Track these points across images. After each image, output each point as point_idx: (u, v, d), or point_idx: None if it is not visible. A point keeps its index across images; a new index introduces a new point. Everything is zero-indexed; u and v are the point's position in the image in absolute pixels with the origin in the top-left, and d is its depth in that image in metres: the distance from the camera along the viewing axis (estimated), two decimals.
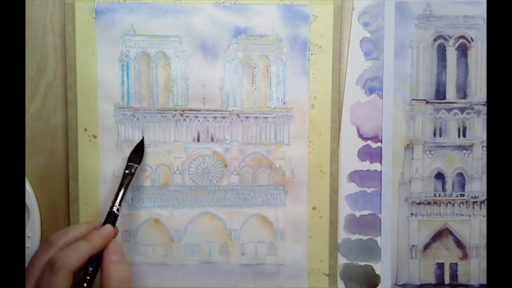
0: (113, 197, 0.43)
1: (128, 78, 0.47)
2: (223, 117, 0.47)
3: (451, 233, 0.48)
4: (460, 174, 0.48)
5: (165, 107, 0.47)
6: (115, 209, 0.43)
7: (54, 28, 0.46)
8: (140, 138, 0.46)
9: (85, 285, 0.38)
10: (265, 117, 0.47)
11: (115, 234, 0.42)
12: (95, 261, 0.39)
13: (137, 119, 0.47)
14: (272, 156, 0.47)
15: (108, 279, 0.38)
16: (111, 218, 0.42)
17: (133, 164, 0.45)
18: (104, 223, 0.42)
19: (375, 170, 0.48)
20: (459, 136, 0.48)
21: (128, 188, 0.44)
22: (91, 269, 0.39)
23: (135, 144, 0.46)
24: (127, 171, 0.44)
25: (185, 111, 0.47)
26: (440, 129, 0.48)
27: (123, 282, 0.39)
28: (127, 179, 0.44)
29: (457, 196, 0.48)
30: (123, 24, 0.46)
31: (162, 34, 0.46)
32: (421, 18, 0.47)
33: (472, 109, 0.48)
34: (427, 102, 0.48)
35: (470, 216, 0.48)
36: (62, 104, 0.47)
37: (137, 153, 0.46)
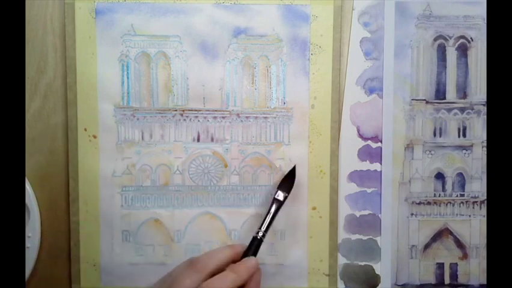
0: (260, 222, 0.44)
1: (128, 78, 0.47)
2: (223, 117, 0.47)
3: (451, 233, 0.48)
4: (460, 174, 0.48)
5: (165, 107, 0.47)
6: (260, 234, 0.43)
7: (54, 28, 0.46)
8: (291, 167, 0.46)
9: None
10: (265, 117, 0.47)
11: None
12: None
13: (137, 119, 0.47)
14: (272, 156, 0.47)
15: None
16: (255, 244, 0.43)
17: (284, 193, 0.45)
18: (248, 248, 0.42)
19: (375, 170, 0.48)
20: (459, 136, 0.48)
21: (275, 216, 0.44)
22: None
23: (287, 172, 0.46)
24: (278, 198, 0.45)
25: (185, 111, 0.47)
26: (440, 129, 0.48)
27: None
28: (275, 206, 0.44)
29: (457, 196, 0.48)
30: (123, 24, 0.46)
31: (162, 34, 0.46)
32: (421, 18, 0.47)
33: (472, 109, 0.48)
34: (427, 102, 0.48)
35: (470, 216, 0.48)
36: (62, 104, 0.47)
37: (288, 181, 0.46)
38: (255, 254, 0.42)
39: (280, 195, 0.45)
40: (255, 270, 0.41)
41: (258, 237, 0.43)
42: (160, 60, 0.47)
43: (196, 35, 0.46)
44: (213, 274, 0.39)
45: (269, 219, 0.44)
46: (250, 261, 0.41)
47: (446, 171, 0.48)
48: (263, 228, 0.43)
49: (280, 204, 0.45)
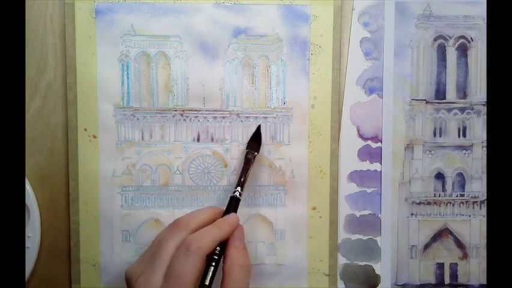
0: (236, 182, 0.44)
1: (128, 78, 0.47)
2: (223, 117, 0.47)
3: (451, 233, 0.48)
4: (460, 174, 0.48)
5: (165, 107, 0.47)
6: (237, 193, 0.43)
7: (54, 28, 0.46)
8: (256, 128, 0.47)
9: (213, 264, 0.39)
10: (265, 117, 0.47)
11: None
12: (221, 245, 0.40)
13: (137, 119, 0.47)
14: (272, 156, 0.47)
15: (232, 264, 0.39)
16: (233, 202, 0.43)
17: (253, 151, 0.45)
18: (227, 208, 0.43)
19: (375, 170, 0.48)
20: (459, 136, 0.48)
21: (248, 172, 0.45)
22: (218, 249, 0.39)
23: (253, 133, 0.47)
24: (249, 157, 0.45)
25: (185, 111, 0.47)
26: (440, 129, 0.48)
27: (245, 268, 0.39)
28: (247, 165, 0.45)
29: (457, 196, 0.48)
30: (123, 24, 0.46)
31: (162, 34, 0.46)
32: (421, 18, 0.47)
33: (472, 109, 0.48)
34: (427, 102, 0.48)
35: (470, 216, 0.48)
36: (62, 104, 0.47)
37: (255, 140, 0.46)
38: (235, 212, 0.43)
39: (250, 155, 0.45)
40: (237, 226, 0.41)
41: (236, 196, 0.43)
42: (160, 60, 0.47)
43: (196, 35, 0.46)
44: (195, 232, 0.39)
45: (243, 178, 0.44)
46: (230, 216, 0.42)
47: (446, 171, 0.48)
48: (239, 188, 0.44)
49: (251, 163, 0.45)
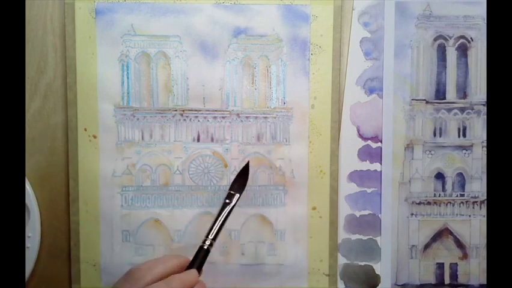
0: (208, 229, 0.41)
1: (128, 78, 0.47)
2: (223, 117, 0.47)
3: (451, 233, 0.48)
4: (460, 174, 0.48)
5: (165, 107, 0.47)
6: (207, 243, 0.40)
7: (54, 28, 0.46)
8: (245, 163, 0.45)
9: None
10: (265, 117, 0.47)
11: (199, 277, 0.40)
12: None
13: (137, 119, 0.47)
14: (272, 156, 0.47)
15: None
16: (201, 255, 0.40)
17: (234, 193, 0.43)
18: (193, 260, 0.41)
19: (375, 170, 0.48)
20: (459, 136, 0.48)
21: (226, 220, 0.41)
22: None
23: (240, 170, 0.45)
24: (226, 201, 0.43)
25: (185, 111, 0.47)
26: (440, 129, 0.48)
27: None
28: (225, 210, 0.42)
29: (457, 196, 0.48)
30: (123, 24, 0.46)
31: (162, 34, 0.46)
32: (421, 18, 0.47)
33: (472, 109, 0.48)
34: (427, 102, 0.48)
35: (470, 216, 0.48)
36: (62, 104, 0.47)
37: (240, 180, 0.44)
38: (201, 265, 0.41)
39: (232, 198, 0.43)
40: (194, 284, 0.39)
41: (205, 247, 0.40)
42: (160, 60, 0.47)
43: (196, 35, 0.46)
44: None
45: (219, 225, 0.41)
46: (188, 274, 0.39)
47: (446, 171, 0.48)
48: (211, 236, 0.41)
49: (232, 207, 0.43)
